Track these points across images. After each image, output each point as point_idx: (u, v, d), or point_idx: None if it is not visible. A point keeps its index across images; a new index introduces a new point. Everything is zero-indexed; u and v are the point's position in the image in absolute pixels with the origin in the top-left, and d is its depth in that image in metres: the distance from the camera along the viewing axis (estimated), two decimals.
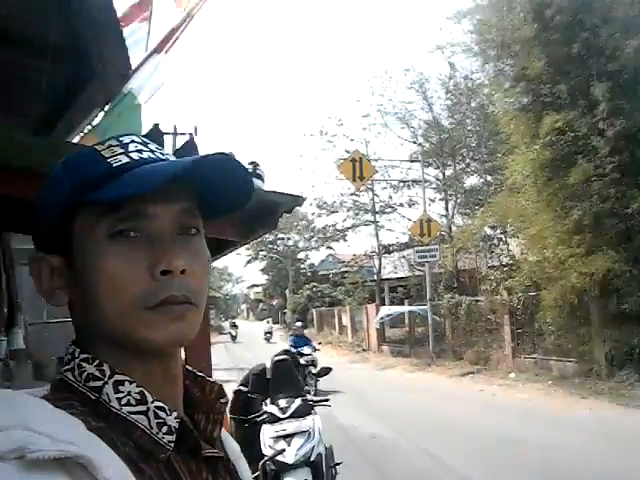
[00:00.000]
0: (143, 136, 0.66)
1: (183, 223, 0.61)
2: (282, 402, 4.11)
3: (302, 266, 44.74)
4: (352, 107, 20.55)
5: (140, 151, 0.61)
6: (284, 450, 3.79)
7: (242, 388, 4.54)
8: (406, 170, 21.74)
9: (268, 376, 4.51)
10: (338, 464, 4.42)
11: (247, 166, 2.47)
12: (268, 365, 4.53)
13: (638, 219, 9.12)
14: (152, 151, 0.62)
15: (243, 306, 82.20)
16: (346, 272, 30.58)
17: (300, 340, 12.17)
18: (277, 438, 3.85)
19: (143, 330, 0.57)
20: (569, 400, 9.09)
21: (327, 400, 4.48)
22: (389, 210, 23.13)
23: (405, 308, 17.86)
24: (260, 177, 2.62)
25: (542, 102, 10.64)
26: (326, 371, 4.92)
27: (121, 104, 3.95)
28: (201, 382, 0.68)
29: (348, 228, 25.27)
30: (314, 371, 9.30)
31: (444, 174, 20.41)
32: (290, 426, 3.92)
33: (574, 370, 10.16)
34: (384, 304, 22.29)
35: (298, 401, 4.10)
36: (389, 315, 18.43)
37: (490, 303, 13.41)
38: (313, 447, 3.84)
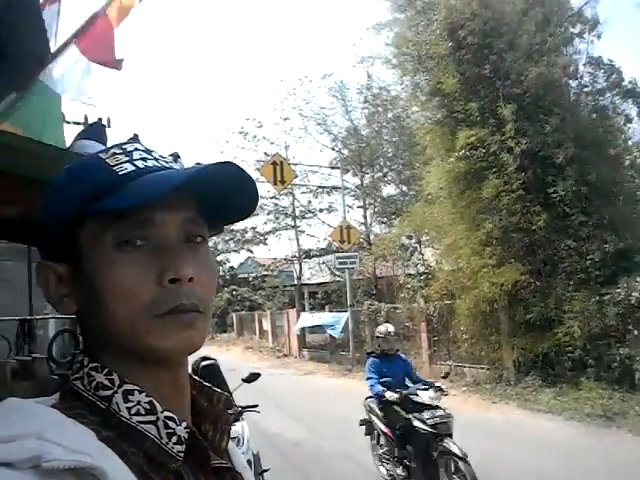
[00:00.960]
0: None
1: (189, 231, 0.61)
2: None
3: (221, 269, 43.84)
4: (273, 107, 20.19)
5: (144, 159, 0.62)
6: None
7: None
8: (326, 176, 21.96)
9: None
10: (265, 471, 4.33)
11: (167, 157, 2.18)
12: (189, 371, 4.27)
13: (541, 234, 9.74)
14: (156, 159, 0.63)
15: None
16: (266, 276, 30.35)
17: (397, 366, 5.29)
18: None
19: (153, 338, 0.57)
20: (482, 405, 9.53)
21: (256, 406, 4.30)
22: (309, 215, 23.23)
23: (325, 315, 17.96)
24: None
25: (455, 118, 11.09)
26: (254, 377, 4.54)
27: (43, 95, 3.65)
28: (208, 392, 0.69)
29: (269, 232, 25.02)
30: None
31: (362, 182, 20.80)
32: None
33: (486, 376, 10.67)
34: (304, 309, 22.36)
35: None
36: (310, 326, 18.49)
37: (408, 311, 13.78)
38: (242, 454, 3.68)
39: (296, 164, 21.22)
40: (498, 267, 10.01)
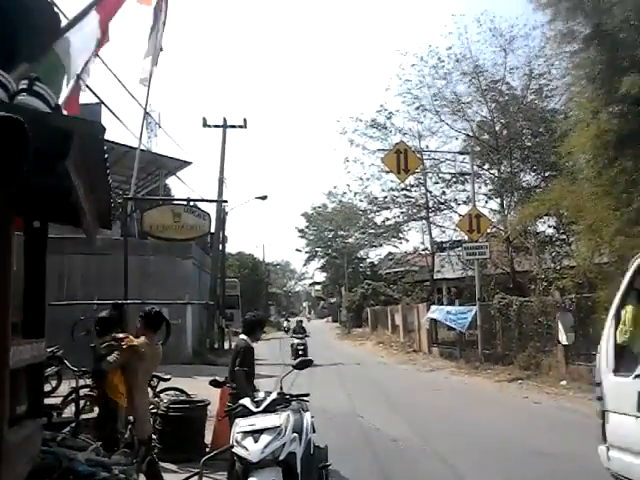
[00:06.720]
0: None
1: None
2: (260, 394, 3.93)
3: (361, 264, 44.00)
4: (402, 94, 19.23)
5: None
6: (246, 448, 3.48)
7: (218, 379, 4.61)
8: (458, 164, 20.60)
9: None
10: (327, 466, 4.20)
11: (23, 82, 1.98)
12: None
13: None
14: None
15: (305, 304, 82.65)
16: (406, 271, 29.34)
17: None
18: (245, 433, 3.55)
19: None
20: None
21: (306, 395, 4.24)
22: (443, 207, 21.92)
23: (453, 308, 16.75)
24: (39, 96, 1.96)
25: (616, 66, 9.09)
26: (305, 364, 4.49)
27: (51, 65, 3.65)
28: None
29: (400, 224, 24.10)
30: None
31: (499, 170, 19.10)
32: (260, 421, 3.61)
33: None
34: (440, 304, 21.19)
35: (274, 395, 3.88)
36: (436, 319, 17.42)
37: (541, 304, 12.11)
38: (283, 445, 3.48)
39: (428, 152, 20.24)
40: None
